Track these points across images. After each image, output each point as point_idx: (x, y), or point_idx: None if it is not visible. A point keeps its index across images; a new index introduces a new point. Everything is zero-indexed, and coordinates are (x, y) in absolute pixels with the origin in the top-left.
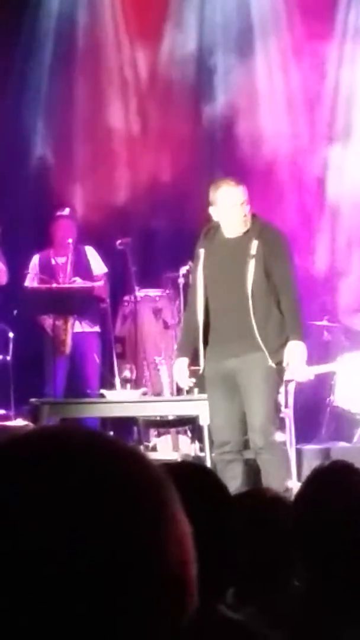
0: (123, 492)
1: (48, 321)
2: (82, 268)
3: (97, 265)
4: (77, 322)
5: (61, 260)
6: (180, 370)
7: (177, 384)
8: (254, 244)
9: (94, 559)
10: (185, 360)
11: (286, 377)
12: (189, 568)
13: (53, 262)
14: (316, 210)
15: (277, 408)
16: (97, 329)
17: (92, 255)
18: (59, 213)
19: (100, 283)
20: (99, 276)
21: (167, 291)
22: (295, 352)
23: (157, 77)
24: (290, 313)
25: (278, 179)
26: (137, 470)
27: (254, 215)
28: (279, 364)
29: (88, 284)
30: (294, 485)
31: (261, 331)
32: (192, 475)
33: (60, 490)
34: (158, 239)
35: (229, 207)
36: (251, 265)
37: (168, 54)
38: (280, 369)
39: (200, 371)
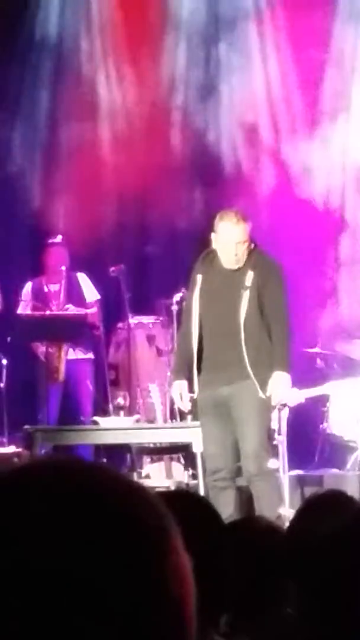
0: (124, 526)
1: (41, 348)
2: (74, 295)
3: (90, 292)
4: (70, 349)
5: (54, 287)
6: (179, 393)
7: (170, 411)
8: (249, 276)
9: (93, 593)
10: (183, 383)
11: (275, 402)
12: (188, 602)
13: (46, 289)
14: (311, 232)
15: (269, 435)
16: (90, 355)
17: (85, 282)
18: (51, 240)
19: (93, 310)
20: (91, 303)
21: (161, 318)
22: (278, 382)
23: (145, 98)
24: (279, 344)
25: (275, 205)
26: (139, 505)
27: (252, 246)
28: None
29: (81, 311)
30: (287, 512)
31: (252, 361)
32: (185, 504)
33: (61, 524)
34: (151, 266)
35: (225, 242)
36: (245, 296)
37: (156, 75)
38: (270, 399)
39: (195, 397)
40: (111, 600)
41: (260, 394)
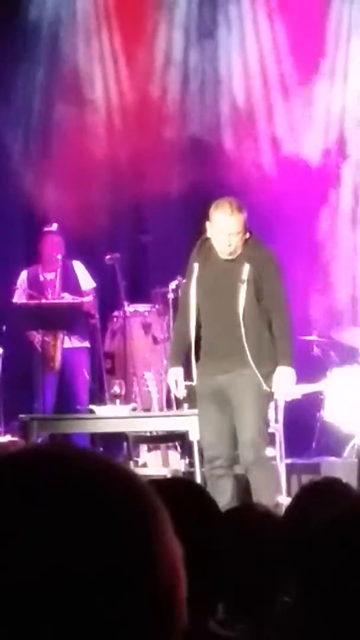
0: (114, 513)
1: (37, 337)
2: (70, 283)
3: (85, 280)
4: (66, 338)
5: (49, 275)
6: (175, 379)
7: (166, 399)
8: (246, 268)
9: (83, 579)
10: (179, 370)
11: (279, 397)
12: (178, 589)
13: (41, 278)
14: (307, 222)
15: (266, 423)
16: (86, 344)
17: (80, 270)
18: (46, 229)
19: (89, 298)
20: (87, 291)
21: (157, 306)
22: (283, 377)
23: (142, 93)
24: (281, 337)
25: (271, 197)
26: (129, 491)
27: (248, 236)
28: (271, 387)
29: (77, 299)
30: (284, 501)
31: (253, 354)
32: (182, 492)
33: (50, 510)
34: (147, 254)
35: (219, 233)
36: (242, 290)
37: (150, 58)
38: (271, 392)
39: (193, 384)
40: (100, 587)
41: (264, 387)
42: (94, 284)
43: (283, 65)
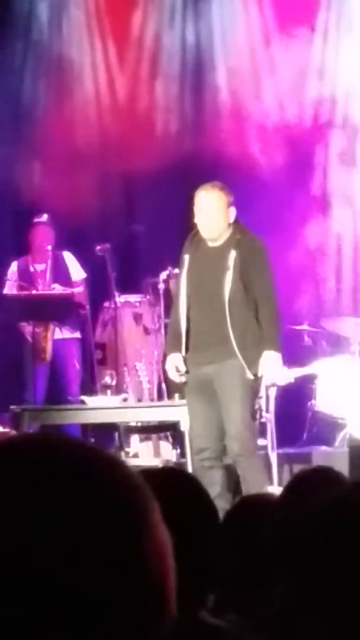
0: (102, 500)
1: (28, 328)
2: (60, 274)
3: (76, 270)
4: (57, 329)
5: (40, 267)
6: (173, 364)
7: (157, 390)
8: (232, 255)
9: (72, 566)
10: (178, 356)
11: (267, 382)
12: (167, 577)
13: (32, 269)
14: (302, 212)
15: (253, 414)
16: (77, 335)
17: (71, 261)
18: (36, 220)
19: (80, 289)
20: (77, 282)
21: (148, 296)
22: (269, 362)
23: (129, 73)
24: (268, 323)
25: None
26: (117, 478)
27: (235, 224)
28: (256, 375)
29: (68, 290)
30: (276, 490)
31: (238, 340)
32: (173, 481)
33: (37, 498)
34: (137, 244)
35: (198, 209)
36: (228, 276)
37: (140, 47)
38: (257, 379)
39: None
40: (87, 575)
41: (248, 374)
42: (84, 275)
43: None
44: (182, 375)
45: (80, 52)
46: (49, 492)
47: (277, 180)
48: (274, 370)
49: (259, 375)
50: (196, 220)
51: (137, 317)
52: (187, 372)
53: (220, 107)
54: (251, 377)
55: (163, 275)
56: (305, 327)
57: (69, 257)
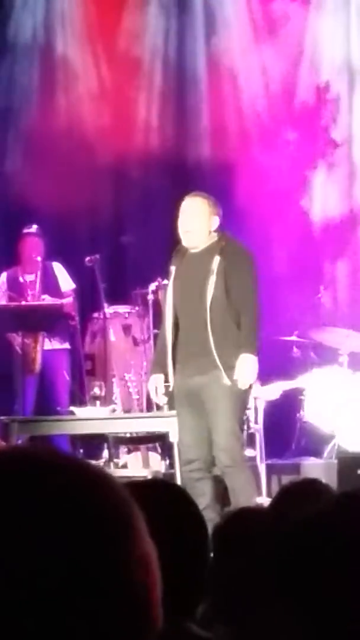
0: (87, 512)
1: (17, 339)
2: (50, 285)
3: (65, 281)
4: (46, 340)
5: (29, 277)
6: (155, 387)
7: (147, 401)
8: (215, 260)
9: (56, 577)
10: (160, 377)
11: (241, 385)
12: (153, 588)
13: (21, 279)
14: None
15: (243, 425)
16: (66, 345)
17: (60, 272)
18: (25, 230)
19: (69, 299)
20: (67, 292)
21: (137, 307)
22: (243, 365)
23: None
24: (247, 329)
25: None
26: (101, 491)
27: (221, 232)
28: (233, 379)
29: (57, 301)
30: (264, 501)
31: (218, 348)
32: (162, 493)
33: (24, 509)
34: (127, 256)
35: (181, 214)
36: (211, 281)
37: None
38: (246, 391)
39: (170, 388)
40: (71, 585)
41: (225, 380)
42: (73, 285)
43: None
44: (165, 393)
45: (66, 42)
46: (33, 504)
47: (271, 192)
48: (249, 373)
49: (234, 378)
50: (179, 226)
51: (126, 328)
52: (170, 391)
53: (214, 116)
54: (228, 382)
55: (152, 286)
56: (294, 338)
57: (58, 268)
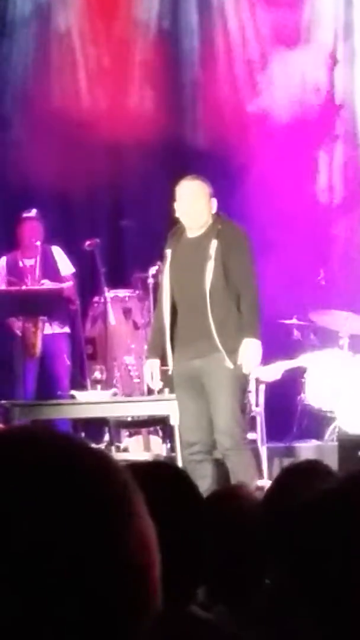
0: (85, 491)
1: (17, 324)
2: (49, 269)
3: (65, 265)
4: (46, 324)
5: (29, 262)
6: (151, 372)
7: (147, 384)
8: (213, 244)
9: (55, 557)
10: (156, 362)
11: (246, 369)
12: (152, 568)
13: (20, 264)
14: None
15: (243, 408)
16: (66, 329)
17: (59, 256)
18: (25, 215)
19: (69, 283)
20: (66, 277)
21: (137, 291)
22: (247, 350)
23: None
24: (248, 312)
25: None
26: (100, 471)
27: (216, 214)
28: (236, 363)
29: (57, 285)
30: (266, 484)
31: (219, 332)
32: (162, 475)
33: (21, 490)
34: (127, 239)
35: (179, 198)
36: (209, 265)
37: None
38: (241, 371)
39: (170, 372)
40: (71, 566)
41: (228, 363)
42: (73, 270)
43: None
44: (163, 378)
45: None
46: (32, 484)
47: (268, 175)
48: (253, 358)
49: (238, 363)
50: (177, 209)
51: (127, 312)
52: (170, 374)
53: (214, 102)
54: (231, 365)
55: (152, 270)
56: (294, 321)
57: (57, 252)
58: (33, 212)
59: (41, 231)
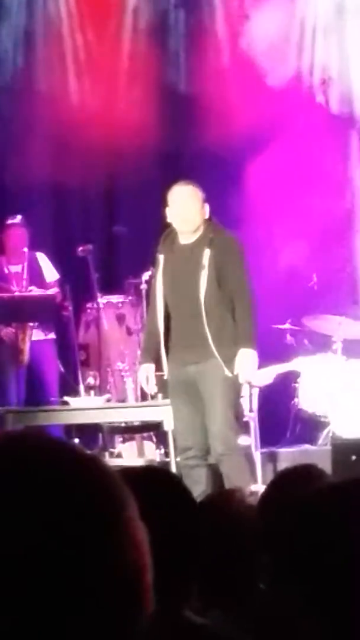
0: (77, 495)
1: (4, 330)
2: (35, 275)
3: (49, 272)
4: (33, 330)
5: (14, 268)
6: (146, 376)
7: (141, 390)
8: (206, 253)
9: (48, 561)
10: (150, 366)
11: (242, 379)
12: (144, 572)
13: (6, 270)
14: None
15: (237, 414)
16: (52, 336)
17: (44, 262)
18: (10, 221)
19: (55, 290)
20: (51, 283)
21: (130, 297)
22: (244, 360)
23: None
24: (243, 321)
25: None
26: (93, 475)
27: (209, 220)
28: (233, 372)
29: (49, 291)
30: (260, 489)
31: (215, 340)
32: (156, 480)
33: (15, 492)
34: (119, 245)
35: (173, 203)
36: (203, 275)
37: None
38: (237, 377)
39: (165, 377)
40: (64, 570)
41: (226, 372)
42: (57, 276)
43: None
44: (157, 382)
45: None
46: (24, 489)
47: (262, 180)
48: (249, 368)
49: (235, 373)
50: (170, 214)
51: (120, 318)
52: (165, 379)
53: (204, 104)
54: (230, 375)
55: (145, 275)
56: (287, 325)
57: (42, 258)
58: (18, 218)
59: (26, 237)
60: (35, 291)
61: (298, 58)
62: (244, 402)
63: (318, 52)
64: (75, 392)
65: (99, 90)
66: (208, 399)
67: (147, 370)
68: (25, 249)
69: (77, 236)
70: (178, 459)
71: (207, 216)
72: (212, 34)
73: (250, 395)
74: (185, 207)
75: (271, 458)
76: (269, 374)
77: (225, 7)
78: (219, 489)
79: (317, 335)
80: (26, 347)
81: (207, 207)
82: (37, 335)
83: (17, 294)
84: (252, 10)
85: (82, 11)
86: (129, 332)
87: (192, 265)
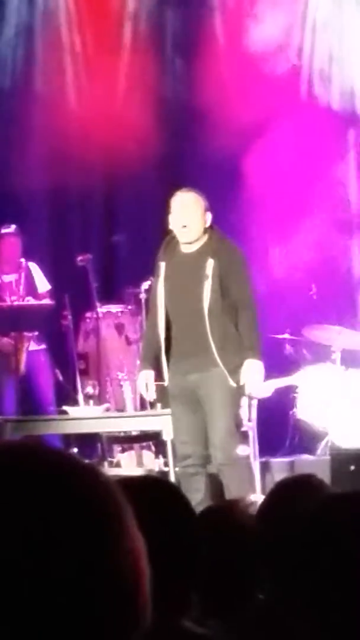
0: (74, 504)
1: (2, 340)
2: (27, 285)
3: (41, 282)
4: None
5: (8, 278)
6: (145, 383)
7: (140, 399)
8: (209, 264)
9: (45, 570)
10: (150, 373)
11: (248, 390)
12: (141, 582)
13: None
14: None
15: (238, 423)
16: (43, 346)
17: (36, 272)
18: (4, 230)
19: (46, 301)
20: (43, 294)
21: (129, 307)
22: (251, 371)
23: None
24: (249, 331)
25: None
26: (89, 484)
27: (211, 229)
28: (239, 382)
29: (43, 301)
30: (259, 499)
31: (219, 350)
32: (154, 490)
33: (11, 500)
34: (119, 255)
35: (174, 211)
36: (207, 285)
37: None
38: (240, 387)
39: (165, 385)
40: (62, 580)
41: (231, 382)
42: (49, 287)
43: None
44: (157, 390)
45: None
46: (22, 499)
47: (263, 188)
48: (257, 379)
49: (241, 383)
50: (171, 222)
51: (119, 327)
52: (165, 387)
53: (203, 110)
54: (234, 385)
55: (145, 285)
56: (286, 335)
57: (34, 268)
58: (12, 227)
59: (20, 247)
60: (31, 301)
61: (298, 58)
62: (243, 412)
63: (318, 52)
64: (74, 402)
65: (98, 96)
66: (210, 408)
67: (146, 376)
68: (23, 260)
69: (76, 245)
70: (177, 469)
71: (209, 224)
72: (211, 36)
73: (249, 405)
74: (186, 215)
75: (270, 468)
76: (267, 387)
77: (225, 8)
78: (221, 500)
79: (316, 346)
80: (23, 357)
81: (209, 215)
82: (32, 345)
83: (15, 303)
84: (252, 10)
85: (81, 15)
86: (128, 341)
87: (196, 274)
